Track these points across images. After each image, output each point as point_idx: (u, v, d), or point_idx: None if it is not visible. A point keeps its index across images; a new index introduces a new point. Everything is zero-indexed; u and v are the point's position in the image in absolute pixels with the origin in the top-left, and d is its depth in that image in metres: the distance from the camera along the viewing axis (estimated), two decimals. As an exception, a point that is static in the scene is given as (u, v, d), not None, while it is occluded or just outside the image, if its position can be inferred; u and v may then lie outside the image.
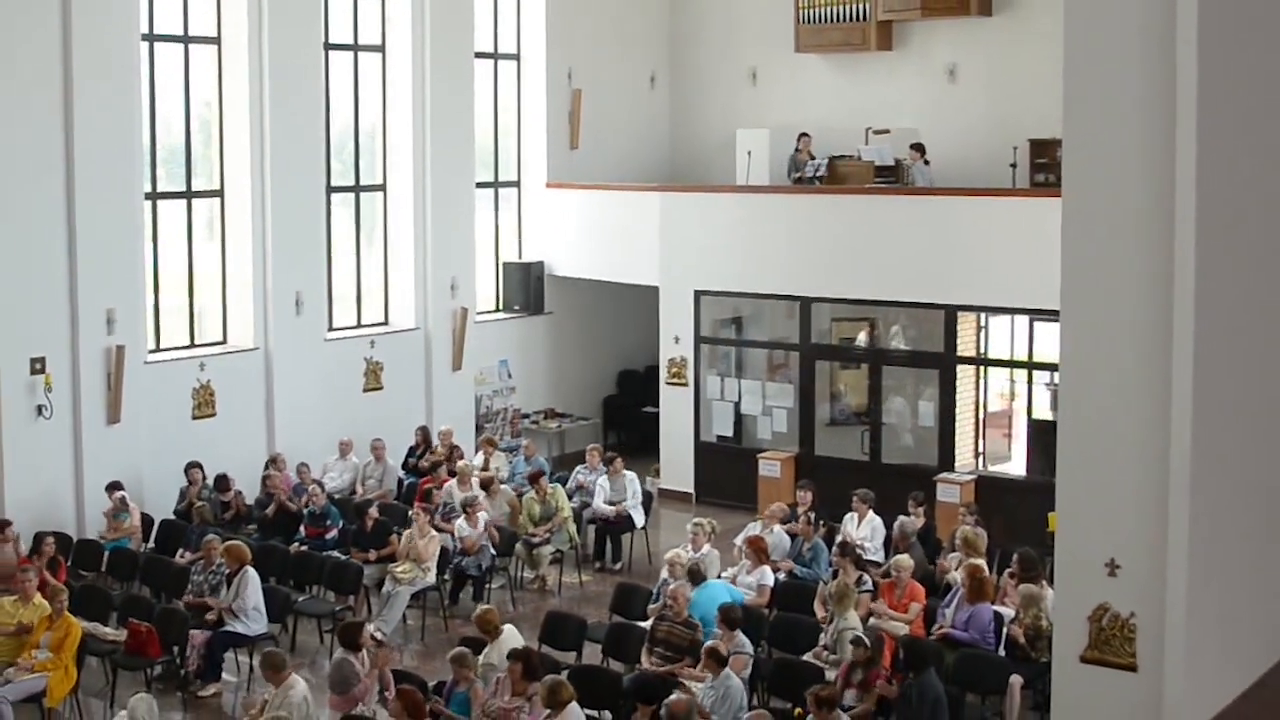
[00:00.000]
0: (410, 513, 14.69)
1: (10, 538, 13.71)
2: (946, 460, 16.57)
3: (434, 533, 14.20)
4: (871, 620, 11.84)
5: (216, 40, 16.78)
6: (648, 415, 19.76)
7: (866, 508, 14.24)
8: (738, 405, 18.32)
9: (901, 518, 13.74)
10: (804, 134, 18.86)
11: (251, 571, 12.69)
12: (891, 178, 18.08)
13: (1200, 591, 8.66)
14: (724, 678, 10.33)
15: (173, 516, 15.26)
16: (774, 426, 18.03)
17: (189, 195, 16.84)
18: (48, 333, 14.90)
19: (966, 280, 16.11)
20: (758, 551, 13.14)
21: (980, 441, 16.86)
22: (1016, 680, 11.05)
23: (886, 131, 18.70)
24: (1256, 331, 9.46)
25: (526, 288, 20.01)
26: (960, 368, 16.61)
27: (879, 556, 13.74)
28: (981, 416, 16.85)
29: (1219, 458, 8.83)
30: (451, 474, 16.10)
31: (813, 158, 18.60)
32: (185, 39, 16.62)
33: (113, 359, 15.27)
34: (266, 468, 16.06)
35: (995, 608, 11.83)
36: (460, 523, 14.67)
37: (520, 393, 20.10)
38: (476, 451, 17.42)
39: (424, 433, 17.55)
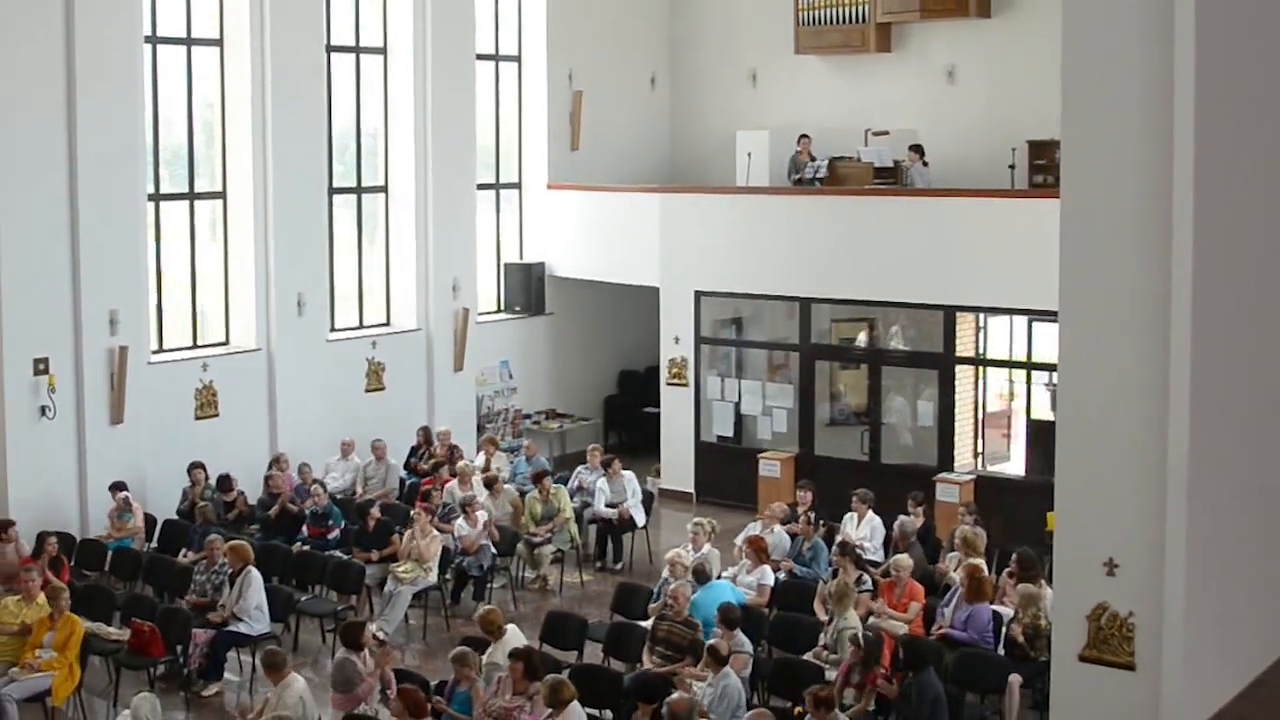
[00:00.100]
0: (412, 512, 14.72)
1: (13, 538, 13.76)
2: (946, 460, 16.59)
3: (435, 532, 14.23)
4: (871, 619, 11.85)
5: (219, 42, 16.83)
6: (648, 415, 19.77)
7: (866, 507, 14.28)
8: (738, 405, 18.34)
9: (901, 517, 13.76)
10: (804, 135, 18.85)
11: (254, 571, 12.73)
12: (891, 179, 18.09)
13: (1199, 590, 8.66)
14: (722, 676, 10.35)
15: (175, 516, 15.30)
16: (774, 427, 18.04)
17: (191, 196, 16.89)
18: (51, 333, 14.94)
19: (965, 281, 16.12)
20: (758, 551, 13.16)
21: (979, 441, 16.89)
22: (1015, 679, 11.07)
23: (886, 133, 18.71)
24: (1254, 331, 9.44)
25: (527, 288, 20.04)
26: (959, 368, 16.62)
27: (879, 556, 13.76)
28: (981, 417, 16.87)
29: (1217, 457, 8.82)
30: (452, 475, 16.14)
31: (813, 159, 18.58)
32: (188, 41, 16.68)
33: (116, 359, 15.31)
34: (269, 468, 16.10)
35: (994, 607, 11.86)
36: (460, 522, 14.70)
37: (521, 393, 20.12)
38: (478, 452, 17.46)
39: (425, 433, 17.59)
